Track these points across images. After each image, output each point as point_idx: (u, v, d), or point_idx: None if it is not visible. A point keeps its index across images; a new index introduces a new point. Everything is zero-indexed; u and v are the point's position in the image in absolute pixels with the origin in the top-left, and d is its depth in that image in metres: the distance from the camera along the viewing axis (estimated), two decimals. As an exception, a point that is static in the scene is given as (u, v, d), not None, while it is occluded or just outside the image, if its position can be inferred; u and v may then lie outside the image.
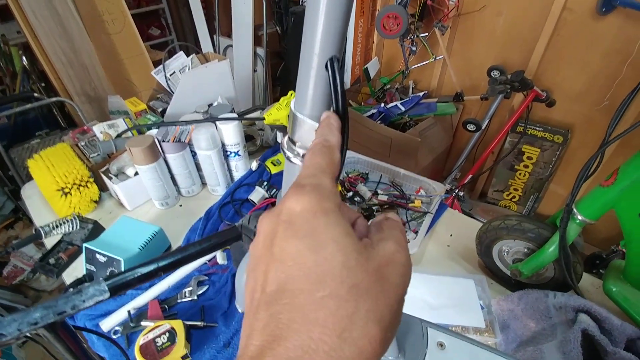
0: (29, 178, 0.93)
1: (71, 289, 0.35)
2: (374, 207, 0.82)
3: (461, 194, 1.63)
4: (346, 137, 0.28)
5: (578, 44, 1.34)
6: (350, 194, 0.86)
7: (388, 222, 0.19)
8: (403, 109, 1.61)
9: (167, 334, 0.56)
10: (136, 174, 0.82)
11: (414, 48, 1.56)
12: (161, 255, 0.37)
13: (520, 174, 1.65)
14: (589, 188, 0.54)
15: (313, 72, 0.27)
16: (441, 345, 0.44)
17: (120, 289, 0.34)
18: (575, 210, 0.54)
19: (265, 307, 0.14)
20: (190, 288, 0.66)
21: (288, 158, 0.32)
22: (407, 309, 0.49)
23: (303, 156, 0.32)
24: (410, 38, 1.53)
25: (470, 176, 1.58)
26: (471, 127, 1.39)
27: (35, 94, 1.53)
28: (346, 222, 0.16)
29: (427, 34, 1.57)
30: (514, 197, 1.73)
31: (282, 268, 0.14)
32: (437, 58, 1.61)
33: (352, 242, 0.15)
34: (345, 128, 0.27)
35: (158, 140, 0.78)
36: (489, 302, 0.64)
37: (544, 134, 1.52)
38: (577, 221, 0.54)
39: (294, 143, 0.32)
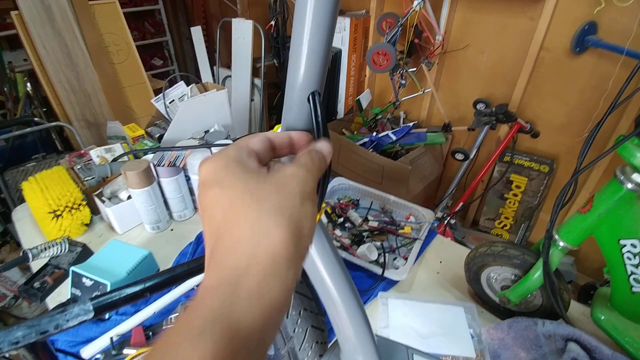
0: (21, 201, 0.93)
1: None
2: (364, 233, 0.83)
3: (453, 221, 1.65)
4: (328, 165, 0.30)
5: (557, 80, 1.43)
6: (341, 219, 0.87)
7: (305, 151, 0.24)
8: (394, 138, 1.66)
9: (150, 362, 0.55)
10: (129, 197, 0.83)
11: (403, 82, 1.64)
12: (149, 275, 0.37)
13: (510, 202, 1.68)
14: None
15: (297, 103, 0.29)
16: (427, 372, 0.44)
17: (106, 309, 0.34)
18: (556, 236, 0.56)
19: (210, 244, 0.20)
20: (177, 314, 0.65)
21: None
22: (395, 337, 0.49)
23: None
24: (399, 72, 1.61)
25: (461, 204, 1.61)
26: (459, 156, 1.43)
27: (36, 118, 1.56)
28: (244, 166, 0.21)
29: (415, 69, 1.66)
30: (505, 225, 1.75)
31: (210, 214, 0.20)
32: (425, 91, 1.69)
33: (250, 176, 0.20)
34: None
35: (153, 164, 0.80)
36: (479, 331, 0.63)
37: (531, 164, 1.57)
38: (560, 247, 0.56)
39: (280, 168, 0.34)
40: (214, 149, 0.84)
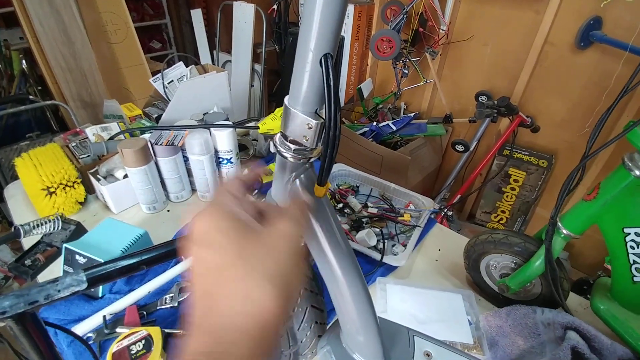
0: (14, 179, 0.91)
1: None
2: (363, 219, 0.82)
3: (450, 213, 1.65)
4: (335, 135, 0.29)
5: (560, 75, 1.42)
6: (341, 205, 0.86)
7: (288, 206, 0.26)
8: (394, 128, 1.65)
9: (143, 341, 0.54)
10: (125, 176, 0.81)
11: (405, 71, 1.62)
12: (145, 248, 0.36)
13: (507, 196, 1.68)
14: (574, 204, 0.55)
15: (308, 67, 0.28)
16: (428, 355, 0.43)
17: (100, 280, 0.33)
18: (560, 224, 0.55)
19: (200, 304, 0.20)
20: (172, 294, 0.64)
21: (279, 152, 0.33)
22: (394, 321, 0.48)
23: (294, 150, 0.32)
24: (402, 61, 1.59)
25: (458, 196, 1.61)
26: (459, 147, 1.43)
27: (31, 97, 1.53)
28: (235, 223, 0.22)
29: (418, 58, 1.64)
30: (502, 219, 1.75)
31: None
32: (427, 81, 1.68)
33: (241, 236, 0.21)
34: (335, 122, 0.28)
35: (151, 143, 0.78)
36: (477, 318, 0.63)
37: (530, 158, 1.57)
38: (562, 235, 0.55)
39: (285, 138, 0.33)
40: (214, 131, 0.82)
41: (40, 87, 1.95)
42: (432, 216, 0.86)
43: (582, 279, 1.41)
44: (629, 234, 0.49)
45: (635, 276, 0.51)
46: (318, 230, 0.34)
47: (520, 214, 1.70)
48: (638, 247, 0.49)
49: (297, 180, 0.34)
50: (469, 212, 1.89)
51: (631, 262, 0.50)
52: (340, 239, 0.35)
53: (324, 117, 0.29)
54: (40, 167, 0.79)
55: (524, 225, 1.72)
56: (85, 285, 0.32)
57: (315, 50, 0.27)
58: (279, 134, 0.33)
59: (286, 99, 0.31)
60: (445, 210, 1.58)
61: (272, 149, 0.34)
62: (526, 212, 1.68)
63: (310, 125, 0.29)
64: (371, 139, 1.60)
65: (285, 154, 0.32)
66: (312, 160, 0.33)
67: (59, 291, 0.32)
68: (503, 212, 1.73)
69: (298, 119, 0.30)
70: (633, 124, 0.46)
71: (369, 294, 0.38)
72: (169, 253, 0.37)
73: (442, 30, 1.55)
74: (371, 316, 0.38)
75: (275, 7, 1.96)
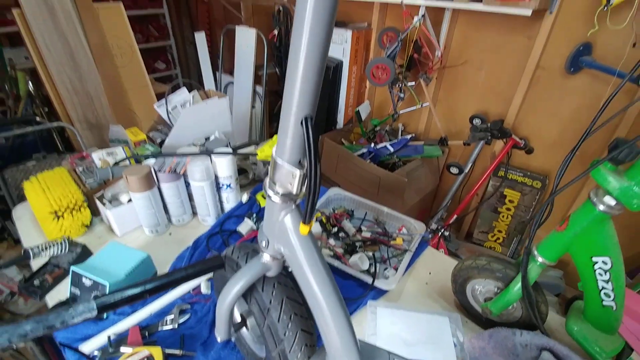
0: (20, 199, 0.95)
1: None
2: (357, 243, 0.86)
3: (447, 233, 1.67)
4: (317, 181, 0.33)
5: (551, 99, 1.47)
6: (335, 229, 0.90)
7: None
8: (392, 149, 1.70)
9: (145, 360, 0.57)
10: (129, 201, 0.85)
11: (402, 95, 1.69)
12: (148, 278, 0.40)
13: (503, 216, 1.71)
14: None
15: (291, 126, 0.33)
16: (407, 377, 0.46)
17: (108, 308, 0.37)
18: (535, 252, 0.59)
19: None
20: (172, 316, 0.67)
21: (269, 196, 0.37)
22: (382, 344, 0.51)
23: (282, 195, 0.37)
24: (398, 86, 1.66)
25: (455, 216, 1.64)
26: (454, 170, 1.47)
27: (37, 118, 1.58)
28: None
29: (414, 83, 1.71)
30: (498, 238, 1.77)
31: None
32: (423, 105, 1.74)
33: None
34: (316, 173, 0.33)
35: (154, 169, 0.83)
36: (462, 340, 0.66)
37: (524, 179, 1.60)
38: (538, 263, 0.59)
39: (274, 183, 0.37)
40: (214, 158, 0.87)
41: (46, 108, 2.02)
42: (427, 238, 0.90)
43: (576, 296, 1.42)
44: (597, 262, 0.53)
45: (604, 300, 0.54)
46: (305, 266, 0.39)
47: (516, 234, 1.72)
48: (605, 274, 0.52)
49: (285, 220, 0.38)
50: (466, 231, 1.91)
51: (600, 287, 0.54)
52: (324, 273, 0.39)
53: (306, 168, 0.34)
54: (48, 191, 0.84)
55: (520, 245, 1.74)
56: (95, 313, 0.36)
57: (297, 113, 0.32)
58: (268, 179, 0.38)
59: (273, 151, 0.36)
60: (443, 230, 1.61)
61: (264, 192, 0.38)
62: (522, 231, 1.70)
63: (294, 175, 0.34)
64: (369, 160, 1.65)
65: (273, 199, 0.36)
66: (297, 202, 0.38)
67: (73, 317, 0.35)
68: (500, 231, 1.76)
69: (284, 168, 0.35)
70: (596, 163, 0.50)
71: (351, 323, 0.42)
72: (170, 283, 0.41)
73: (437, 56, 1.62)
74: (352, 341, 0.41)
75: (275, 32, 2.05)
